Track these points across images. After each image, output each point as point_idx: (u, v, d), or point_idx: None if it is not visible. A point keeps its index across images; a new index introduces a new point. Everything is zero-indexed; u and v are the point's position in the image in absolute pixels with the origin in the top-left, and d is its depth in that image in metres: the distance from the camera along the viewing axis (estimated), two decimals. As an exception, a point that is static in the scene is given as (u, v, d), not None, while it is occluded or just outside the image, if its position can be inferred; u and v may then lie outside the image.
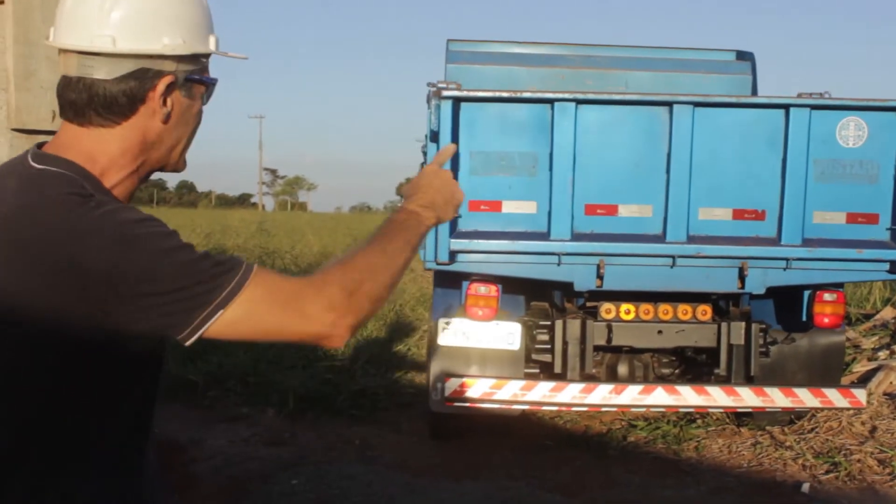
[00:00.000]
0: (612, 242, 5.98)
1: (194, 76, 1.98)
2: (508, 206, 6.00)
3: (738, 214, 6.04)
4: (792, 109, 5.95)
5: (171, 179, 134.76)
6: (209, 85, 2.05)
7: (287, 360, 9.27)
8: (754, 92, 8.11)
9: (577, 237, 5.98)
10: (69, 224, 1.73)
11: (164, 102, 1.92)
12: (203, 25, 2.00)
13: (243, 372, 8.93)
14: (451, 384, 6.39)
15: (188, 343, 1.77)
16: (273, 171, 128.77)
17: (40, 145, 1.96)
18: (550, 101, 5.93)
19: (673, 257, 6.00)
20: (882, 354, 8.59)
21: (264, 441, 7.34)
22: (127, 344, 1.79)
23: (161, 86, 1.91)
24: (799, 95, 6.92)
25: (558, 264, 6.03)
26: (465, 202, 6.00)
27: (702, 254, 5.98)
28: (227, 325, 1.76)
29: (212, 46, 2.02)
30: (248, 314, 1.77)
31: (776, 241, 6.04)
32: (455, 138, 5.84)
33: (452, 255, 5.97)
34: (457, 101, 5.88)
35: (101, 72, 1.87)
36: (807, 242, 6.00)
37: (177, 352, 9.76)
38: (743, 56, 8.48)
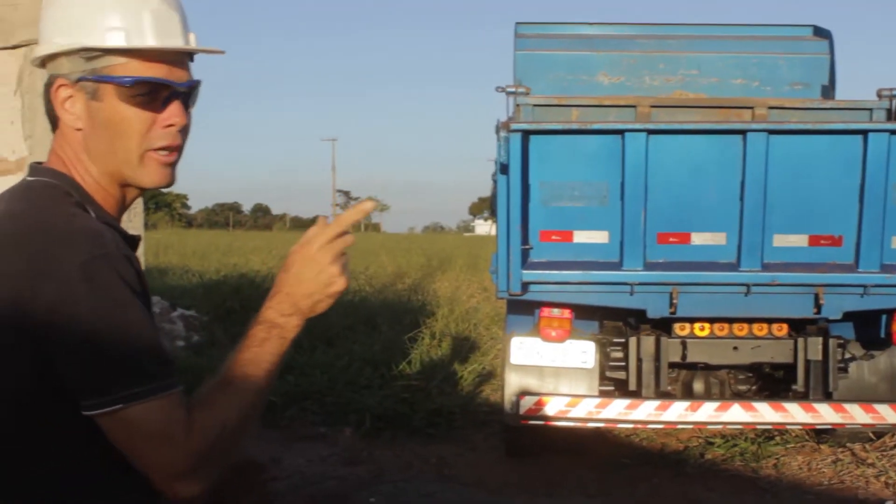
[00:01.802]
0: (686, 271, 5.90)
1: (90, 77, 1.82)
2: (580, 236, 5.95)
3: (815, 241, 5.91)
4: (870, 135, 5.78)
5: (247, 203, 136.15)
6: (128, 85, 1.84)
7: (363, 379, 9.35)
8: (832, 73, 7.82)
9: (649, 266, 5.91)
10: (44, 232, 1.69)
11: (65, 107, 1.84)
12: (99, 20, 1.82)
13: (320, 391, 9.00)
14: (527, 402, 6.39)
15: (86, 414, 1.69)
16: (346, 193, 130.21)
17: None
18: (621, 132, 5.83)
19: (747, 285, 5.90)
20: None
21: (342, 460, 7.39)
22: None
23: (57, 90, 1.83)
24: (878, 93, 6.84)
25: (631, 294, 5.98)
26: (536, 232, 6.08)
27: (777, 281, 5.87)
28: (117, 420, 1.69)
29: (109, 42, 1.82)
30: (135, 426, 1.69)
31: (853, 268, 5.89)
32: (525, 169, 5.78)
33: (524, 286, 5.92)
34: (526, 134, 5.82)
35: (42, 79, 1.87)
36: (885, 268, 5.85)
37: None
38: (820, 33, 8.14)
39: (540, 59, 7.70)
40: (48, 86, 1.85)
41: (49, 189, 1.80)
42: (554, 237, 5.94)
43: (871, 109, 6.88)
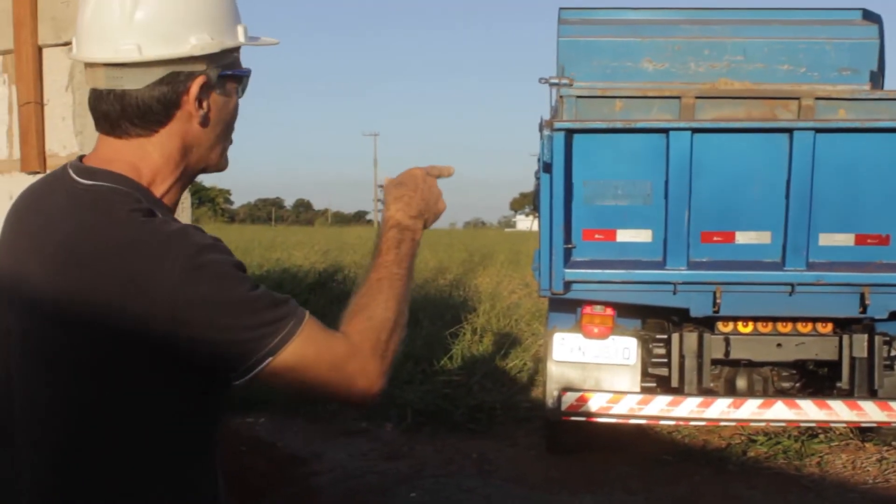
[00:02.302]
0: (729, 271, 5.85)
1: (227, 72, 1.87)
2: (623, 235, 5.92)
3: (861, 240, 5.84)
4: None
5: (289, 198, 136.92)
6: (244, 77, 1.94)
7: (404, 374, 9.37)
8: (881, 59, 7.68)
9: (693, 265, 5.87)
10: (137, 243, 1.68)
11: (200, 104, 1.83)
12: (229, 17, 1.89)
13: (362, 386, 9.05)
14: (568, 398, 6.38)
15: (238, 383, 1.73)
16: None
17: (81, 158, 1.88)
18: (665, 131, 5.80)
19: (792, 285, 5.84)
20: None
21: (383, 455, 7.42)
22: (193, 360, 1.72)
23: (195, 88, 1.81)
24: None
25: (674, 293, 5.94)
26: (579, 231, 6.05)
27: (822, 281, 5.81)
28: (273, 373, 1.71)
29: (241, 38, 1.91)
30: (294, 367, 1.72)
31: None
32: (568, 168, 5.75)
33: (567, 285, 5.90)
34: (569, 133, 5.78)
35: (131, 82, 1.78)
36: None
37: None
38: (869, 17, 7.95)
39: (584, 46, 7.60)
40: (172, 84, 1.80)
41: (122, 196, 1.77)
42: (597, 236, 5.90)
43: None
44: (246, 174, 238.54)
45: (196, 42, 1.80)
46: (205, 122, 1.85)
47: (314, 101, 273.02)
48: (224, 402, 1.89)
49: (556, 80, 6.64)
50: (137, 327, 1.66)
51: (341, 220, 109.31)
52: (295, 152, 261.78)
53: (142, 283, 1.65)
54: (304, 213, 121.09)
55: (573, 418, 6.42)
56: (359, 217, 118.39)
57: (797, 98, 6.81)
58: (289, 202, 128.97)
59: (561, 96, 6.71)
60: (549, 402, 6.51)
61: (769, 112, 6.90)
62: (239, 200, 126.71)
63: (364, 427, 8.11)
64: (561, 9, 8.02)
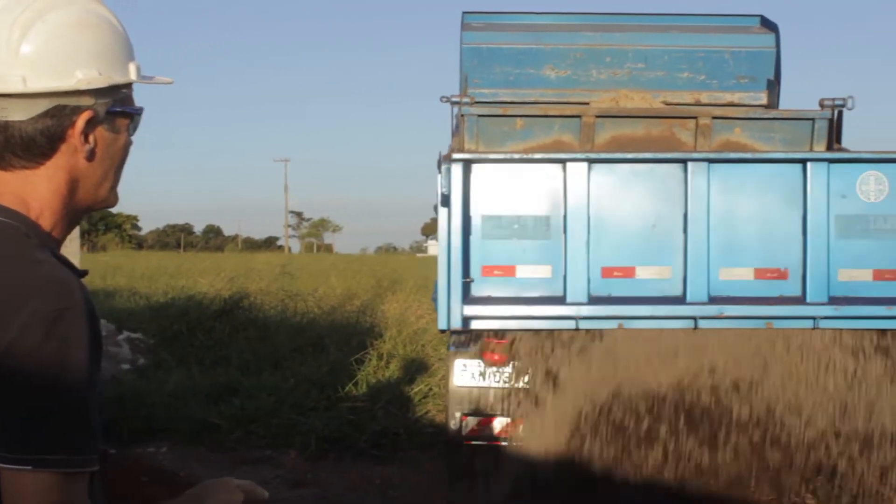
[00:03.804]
0: (631, 305, 5.75)
1: (115, 108, 1.83)
2: (523, 271, 5.78)
3: (761, 274, 5.78)
4: (809, 164, 5.67)
5: (199, 224, 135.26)
6: (135, 115, 1.89)
7: (309, 401, 9.33)
8: (777, 67, 7.76)
9: (594, 300, 5.73)
10: (17, 281, 1.61)
11: (86, 139, 1.78)
12: (120, 54, 1.86)
13: (266, 414, 8.98)
14: (469, 422, 6.36)
15: None
16: (299, 214, 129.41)
17: None
18: (562, 161, 5.70)
19: (695, 318, 5.74)
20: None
21: (287, 482, 7.37)
22: None
23: (80, 122, 1.76)
24: (821, 103, 6.89)
25: (576, 328, 5.81)
26: (478, 267, 5.90)
27: (724, 314, 5.71)
28: (10, 482, 1.56)
29: (132, 75, 1.88)
30: (10, 493, 1.56)
31: (801, 300, 5.74)
32: (466, 201, 5.64)
33: (466, 320, 5.75)
34: (467, 164, 5.66)
35: (15, 113, 1.72)
36: (833, 300, 5.70)
37: (199, 395, 9.86)
38: (767, 24, 8.00)
39: (486, 53, 7.61)
40: (57, 117, 1.75)
41: (10, 231, 1.72)
42: (496, 272, 5.78)
43: (813, 119, 6.83)
44: (154, 200, 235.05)
45: (83, 76, 1.76)
46: (91, 156, 1.80)
47: (224, 126, 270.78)
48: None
49: (456, 99, 6.66)
50: None
51: (252, 245, 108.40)
52: (204, 178, 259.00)
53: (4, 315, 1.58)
54: (213, 238, 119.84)
55: (475, 443, 6.44)
56: (269, 243, 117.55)
57: (694, 117, 6.95)
58: (198, 228, 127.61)
59: (462, 115, 6.76)
60: (451, 427, 6.53)
61: (668, 130, 6.99)
62: (147, 226, 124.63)
63: (268, 455, 8.06)
64: (464, 13, 7.99)
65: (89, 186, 1.84)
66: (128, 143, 1.90)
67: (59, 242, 1.84)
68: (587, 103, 7.55)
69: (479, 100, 7.20)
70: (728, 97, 7.71)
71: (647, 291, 5.78)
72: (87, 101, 1.77)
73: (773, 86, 7.73)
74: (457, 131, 6.84)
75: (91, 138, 1.79)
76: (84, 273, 1.83)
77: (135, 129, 1.91)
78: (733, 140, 7.01)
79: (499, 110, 6.92)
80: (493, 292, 5.78)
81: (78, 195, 1.83)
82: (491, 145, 6.83)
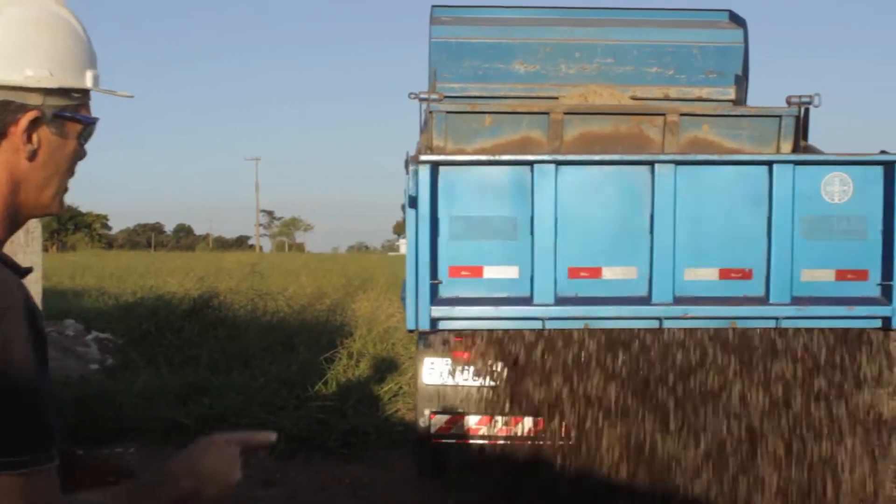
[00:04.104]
0: (597, 306, 5.75)
1: (65, 113, 1.79)
2: (490, 272, 5.77)
3: (725, 274, 5.79)
4: (775, 165, 5.69)
5: (169, 223, 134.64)
6: (87, 124, 1.85)
7: (279, 400, 9.31)
8: (745, 62, 7.80)
9: (560, 301, 5.74)
10: None
11: (29, 139, 1.74)
12: (78, 59, 1.83)
13: (235, 413, 8.94)
14: (438, 420, 6.36)
15: None
16: (270, 213, 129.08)
17: None
18: (530, 164, 5.67)
19: (660, 319, 5.77)
20: None
21: (256, 482, 7.33)
22: None
23: (24, 121, 1.73)
24: (787, 100, 6.93)
25: (542, 329, 5.83)
26: (445, 268, 5.79)
27: (689, 315, 5.74)
28: None
29: (88, 82, 1.84)
30: None
31: (765, 301, 5.77)
32: (434, 203, 5.61)
33: (434, 321, 5.74)
34: (435, 166, 5.63)
35: None
36: (796, 301, 5.74)
37: (168, 395, 9.81)
38: (735, 19, 8.02)
39: (455, 47, 7.60)
40: (1, 112, 1.72)
41: None
42: (463, 273, 5.77)
43: (780, 116, 6.89)
44: (125, 199, 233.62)
45: (32, 74, 1.73)
46: (32, 157, 1.76)
47: (195, 125, 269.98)
48: None
49: (425, 96, 6.65)
50: None
51: (223, 244, 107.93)
52: (175, 177, 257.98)
53: None
54: (184, 238, 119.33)
55: (444, 440, 6.45)
56: (241, 242, 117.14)
57: (662, 114, 6.98)
58: (169, 227, 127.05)
59: (430, 112, 6.74)
60: (420, 424, 6.54)
61: (636, 127, 7.02)
62: (117, 226, 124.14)
63: (237, 454, 8.02)
64: (433, 7, 7.96)
65: (31, 189, 1.80)
66: (77, 151, 1.85)
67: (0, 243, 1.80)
68: (556, 98, 7.57)
69: (447, 94, 7.19)
70: (696, 92, 7.74)
71: (614, 292, 5.79)
72: (34, 100, 1.74)
73: (741, 81, 7.78)
74: (425, 128, 6.84)
75: (34, 139, 1.75)
76: (28, 271, 1.80)
77: (87, 138, 1.87)
78: (701, 137, 7.04)
79: (467, 107, 6.92)
80: (460, 293, 5.76)
81: (20, 197, 1.79)
82: (459, 142, 6.83)
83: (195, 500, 1.92)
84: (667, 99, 7.72)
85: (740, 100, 7.81)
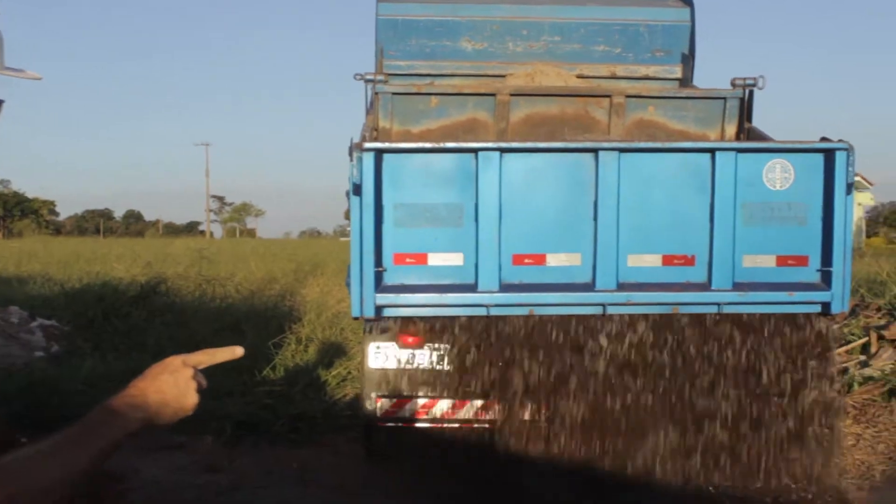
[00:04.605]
0: (541, 293, 5.78)
1: None
2: (434, 259, 5.78)
3: (668, 260, 5.84)
4: (718, 153, 5.73)
5: (119, 209, 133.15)
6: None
7: (226, 386, 9.24)
8: (692, 41, 7.86)
9: (505, 288, 5.76)
10: None
11: None
12: None
13: (181, 400, 8.87)
14: (384, 404, 6.35)
15: None
16: (220, 199, 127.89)
17: None
18: (474, 151, 5.66)
19: (603, 305, 5.81)
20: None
21: (202, 468, 7.27)
22: None
23: None
24: (732, 82, 6.98)
25: (487, 315, 5.86)
26: (390, 255, 5.65)
27: (632, 301, 5.79)
28: None
29: None
30: None
31: (707, 286, 5.83)
32: (378, 190, 5.60)
33: (379, 309, 5.76)
34: (379, 153, 5.60)
35: None
36: (737, 286, 5.81)
37: (114, 381, 9.69)
38: None
39: (402, 25, 7.58)
40: None
41: None
42: (408, 260, 5.77)
43: (725, 98, 6.97)
44: (72, 185, 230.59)
45: None
46: None
47: (144, 110, 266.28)
48: None
49: (370, 77, 6.62)
50: None
51: (174, 230, 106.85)
52: (124, 163, 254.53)
53: None
54: (134, 224, 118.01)
55: (389, 424, 6.46)
56: (191, 228, 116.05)
57: (608, 96, 7.01)
58: (119, 213, 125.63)
59: (376, 93, 6.71)
60: (366, 408, 6.54)
61: (582, 109, 7.05)
62: (65, 212, 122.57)
63: (183, 441, 7.95)
64: None
65: None
66: None
67: None
68: (503, 76, 7.57)
69: (394, 72, 7.17)
70: (643, 70, 7.79)
71: (558, 278, 5.81)
72: None
73: (688, 60, 7.83)
74: (371, 109, 6.82)
75: None
76: None
77: None
78: (647, 118, 7.09)
79: (413, 88, 6.90)
80: (405, 280, 5.77)
81: None
82: (405, 123, 6.82)
83: (150, 429, 1.89)
84: (614, 77, 7.76)
85: (686, 78, 7.86)
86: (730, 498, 6.03)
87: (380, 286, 5.72)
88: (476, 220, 5.71)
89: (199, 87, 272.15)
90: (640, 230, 5.80)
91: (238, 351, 2.09)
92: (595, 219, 5.75)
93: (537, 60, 7.74)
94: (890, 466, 7.05)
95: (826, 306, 5.87)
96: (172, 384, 1.92)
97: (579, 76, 7.75)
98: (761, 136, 6.80)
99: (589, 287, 5.80)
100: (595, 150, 5.72)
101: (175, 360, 1.96)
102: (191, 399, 1.95)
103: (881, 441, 7.47)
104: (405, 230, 5.74)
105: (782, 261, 5.90)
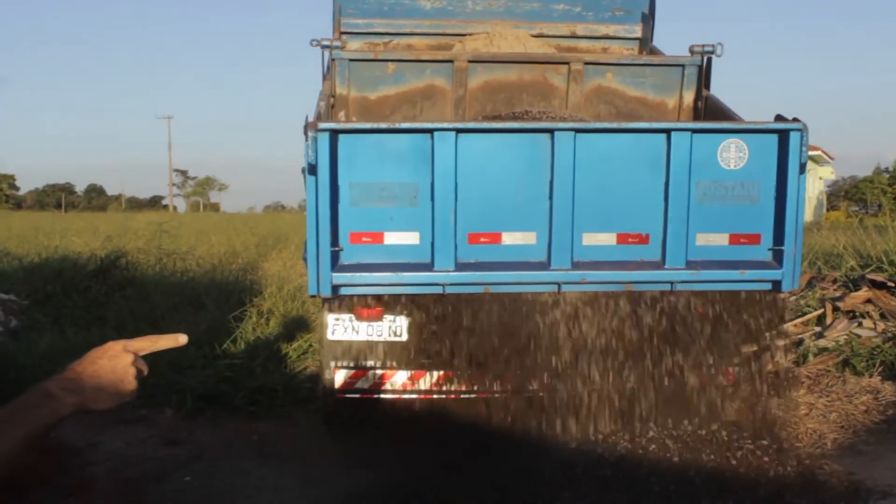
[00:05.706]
0: (497, 272, 5.81)
1: None
2: (391, 238, 5.79)
3: (622, 239, 5.88)
4: (673, 133, 5.76)
5: (80, 183, 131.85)
6: None
7: (186, 359, 9.23)
8: (652, 3, 7.91)
9: (460, 267, 5.78)
10: None
11: None
12: None
13: (141, 373, 8.87)
14: (341, 375, 6.38)
15: None
16: (184, 173, 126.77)
17: None
18: (430, 131, 5.65)
19: (558, 284, 5.85)
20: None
21: (162, 441, 7.29)
22: None
23: None
24: (691, 50, 7.03)
25: (443, 294, 5.89)
26: (346, 234, 5.68)
27: (586, 280, 5.83)
28: None
29: None
30: None
31: (660, 265, 5.89)
32: (334, 170, 5.57)
33: (335, 288, 5.76)
34: (334, 133, 5.57)
35: None
36: (690, 265, 5.86)
37: (73, 356, 9.62)
38: None
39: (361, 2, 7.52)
40: None
41: None
42: (364, 239, 5.77)
43: (683, 66, 7.04)
44: (33, 159, 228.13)
45: None
46: None
47: (105, 82, 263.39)
48: None
49: (327, 43, 6.61)
50: None
51: (136, 205, 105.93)
52: (85, 136, 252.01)
53: None
54: (96, 198, 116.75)
55: (348, 395, 6.49)
56: (154, 202, 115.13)
57: (567, 63, 7.04)
58: (80, 187, 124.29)
59: (333, 59, 6.69)
60: (325, 380, 6.57)
61: (540, 76, 7.07)
62: (26, 186, 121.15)
63: (143, 414, 7.95)
64: None
65: None
66: None
67: None
68: (463, 35, 7.58)
69: (352, 30, 7.15)
70: (603, 30, 7.82)
71: (513, 257, 5.84)
72: None
73: (648, 19, 7.86)
74: (328, 75, 6.81)
75: None
76: None
77: None
78: (605, 85, 7.14)
79: (370, 55, 6.90)
80: (361, 259, 5.77)
81: None
82: (363, 90, 6.82)
83: (85, 413, 1.88)
84: (573, 36, 7.79)
85: (646, 38, 7.91)
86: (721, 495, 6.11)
87: (336, 265, 5.72)
88: (432, 199, 5.71)
89: (161, 59, 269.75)
90: (595, 209, 5.82)
91: (182, 339, 2.06)
92: (550, 198, 5.76)
93: (497, 19, 7.75)
94: (841, 435, 7.17)
95: (777, 284, 5.94)
96: (110, 370, 1.91)
97: (539, 35, 7.77)
98: (718, 105, 6.86)
99: (544, 266, 5.84)
100: (551, 131, 5.73)
101: (115, 346, 1.95)
102: (129, 385, 1.94)
103: (833, 410, 7.59)
104: (361, 209, 5.72)
105: (735, 239, 5.95)
